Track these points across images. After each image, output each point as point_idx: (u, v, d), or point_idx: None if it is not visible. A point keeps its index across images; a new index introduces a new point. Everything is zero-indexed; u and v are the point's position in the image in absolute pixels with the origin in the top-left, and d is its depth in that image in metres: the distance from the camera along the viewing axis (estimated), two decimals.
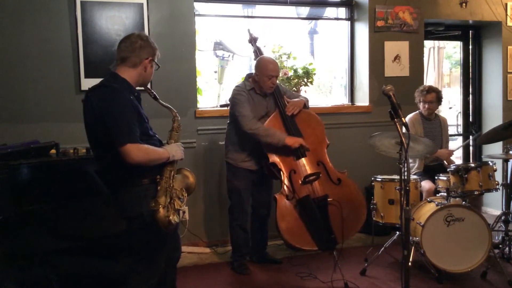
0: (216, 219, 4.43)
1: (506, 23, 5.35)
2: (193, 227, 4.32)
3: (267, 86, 3.61)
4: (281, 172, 3.55)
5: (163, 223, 2.32)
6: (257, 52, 3.85)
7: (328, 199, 3.49)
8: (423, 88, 4.33)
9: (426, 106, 4.29)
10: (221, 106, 4.55)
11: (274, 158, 3.56)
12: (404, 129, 2.74)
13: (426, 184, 4.07)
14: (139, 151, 2.24)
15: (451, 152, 4.37)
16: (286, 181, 3.53)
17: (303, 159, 3.59)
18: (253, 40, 3.88)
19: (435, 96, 4.28)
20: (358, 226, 3.63)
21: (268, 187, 3.82)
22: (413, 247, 3.44)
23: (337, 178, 3.63)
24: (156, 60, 2.53)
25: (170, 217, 2.33)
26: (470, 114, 5.77)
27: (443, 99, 4.43)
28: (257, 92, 3.68)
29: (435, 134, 4.34)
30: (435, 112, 4.45)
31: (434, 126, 4.38)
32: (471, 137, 5.40)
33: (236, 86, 3.73)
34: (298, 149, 3.55)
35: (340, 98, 5.23)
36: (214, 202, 4.42)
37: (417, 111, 4.39)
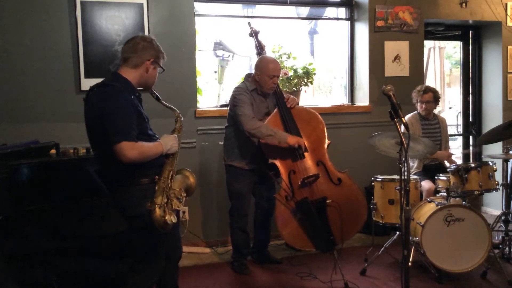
0: (216, 219, 4.43)
1: (506, 23, 5.35)
2: (193, 227, 4.32)
3: (268, 86, 3.58)
4: (280, 172, 3.53)
5: (158, 223, 2.31)
6: (258, 46, 3.80)
7: (327, 201, 3.45)
8: (420, 88, 4.34)
9: (424, 106, 4.31)
10: (221, 106, 4.55)
11: (273, 159, 3.54)
12: (403, 129, 2.74)
13: (426, 184, 4.07)
14: (133, 149, 2.24)
15: (450, 154, 4.38)
16: (285, 182, 3.51)
17: (303, 160, 3.55)
18: (254, 34, 3.82)
19: (432, 96, 4.30)
20: (358, 226, 3.61)
21: (270, 186, 3.78)
22: (413, 247, 3.44)
23: (337, 178, 3.60)
24: (161, 64, 2.53)
25: (166, 217, 2.32)
26: (470, 114, 5.77)
27: (440, 99, 4.44)
28: (258, 93, 3.65)
29: (434, 134, 4.35)
30: (434, 112, 4.46)
31: (433, 126, 4.39)
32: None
33: (237, 87, 3.68)
34: (296, 150, 3.51)
35: (340, 98, 5.23)
36: (214, 202, 4.42)
37: (415, 112, 4.40)
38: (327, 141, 3.68)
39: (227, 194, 3.82)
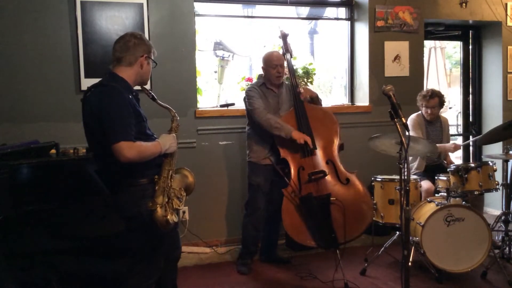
0: (216, 219, 4.43)
1: (506, 23, 5.35)
2: (193, 227, 4.32)
3: (274, 76, 3.74)
4: (290, 167, 3.60)
5: (160, 222, 2.32)
6: (284, 47, 3.96)
7: (331, 198, 3.49)
8: (426, 93, 4.29)
9: (429, 111, 4.28)
10: (221, 106, 4.55)
11: (285, 154, 3.63)
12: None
13: (425, 184, 4.06)
14: (131, 149, 2.24)
15: (455, 145, 4.32)
16: (293, 177, 3.56)
17: (312, 157, 3.63)
18: (282, 37, 3.99)
19: (438, 101, 4.27)
20: (362, 227, 3.60)
21: (282, 184, 3.74)
22: (413, 247, 3.44)
23: (346, 178, 3.63)
24: (152, 58, 2.54)
25: (168, 217, 2.33)
26: (470, 114, 5.77)
27: (445, 102, 4.42)
28: (268, 87, 3.78)
29: (436, 136, 4.34)
30: None
31: (436, 128, 4.38)
32: (471, 137, 5.42)
33: (248, 86, 3.89)
34: (304, 146, 3.59)
35: (340, 98, 5.23)
36: (214, 202, 4.42)
37: (419, 112, 4.38)
38: (338, 141, 3.74)
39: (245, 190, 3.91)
